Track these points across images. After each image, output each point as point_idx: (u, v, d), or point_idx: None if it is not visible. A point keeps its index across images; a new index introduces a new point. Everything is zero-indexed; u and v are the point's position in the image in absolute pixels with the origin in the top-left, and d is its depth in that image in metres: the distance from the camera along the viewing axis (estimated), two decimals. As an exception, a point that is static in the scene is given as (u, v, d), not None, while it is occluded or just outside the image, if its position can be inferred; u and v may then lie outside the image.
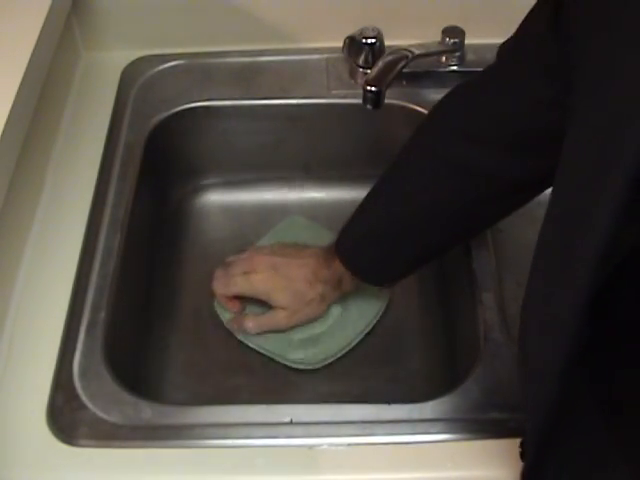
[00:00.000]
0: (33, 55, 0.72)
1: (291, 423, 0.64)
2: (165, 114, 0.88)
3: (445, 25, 0.85)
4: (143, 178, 0.82)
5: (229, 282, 0.80)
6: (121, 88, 0.90)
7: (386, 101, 0.79)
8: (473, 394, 0.65)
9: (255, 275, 0.78)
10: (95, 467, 0.61)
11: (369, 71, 0.80)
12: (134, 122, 0.86)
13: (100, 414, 0.64)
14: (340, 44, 0.89)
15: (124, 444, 0.62)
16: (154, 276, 0.87)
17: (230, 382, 0.80)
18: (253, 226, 0.93)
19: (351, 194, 0.94)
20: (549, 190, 0.49)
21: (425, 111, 0.85)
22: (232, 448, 0.62)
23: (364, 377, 0.80)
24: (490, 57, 0.66)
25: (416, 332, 0.84)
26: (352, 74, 0.89)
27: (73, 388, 0.65)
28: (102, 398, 0.65)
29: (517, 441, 0.55)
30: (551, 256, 0.47)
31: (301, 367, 0.79)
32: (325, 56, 0.92)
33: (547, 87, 0.56)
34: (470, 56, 0.87)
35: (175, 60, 0.92)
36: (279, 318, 0.79)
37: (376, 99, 0.78)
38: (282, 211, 0.94)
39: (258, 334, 0.80)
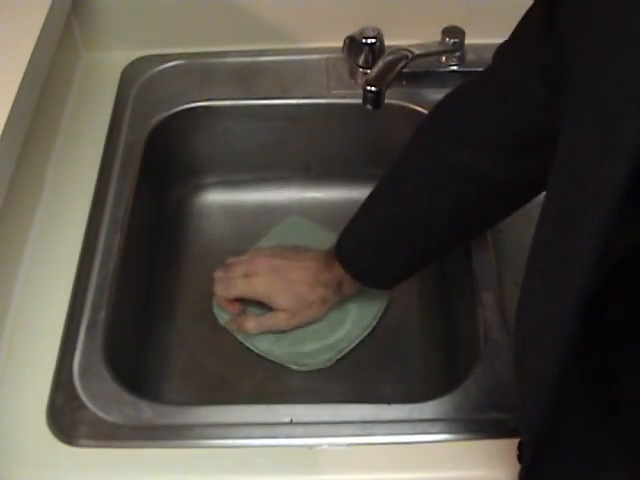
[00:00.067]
0: (33, 55, 0.72)
1: (291, 423, 0.64)
2: (165, 114, 0.88)
3: (445, 25, 0.85)
4: (143, 178, 0.82)
5: (230, 284, 0.80)
6: (121, 88, 0.90)
7: (386, 101, 0.79)
8: (473, 394, 0.65)
9: (256, 278, 0.78)
10: (95, 467, 0.61)
11: (369, 71, 0.80)
12: (134, 122, 0.86)
13: (100, 414, 0.64)
14: (340, 44, 0.89)
15: (124, 444, 0.62)
16: (154, 276, 0.87)
17: (230, 382, 0.80)
18: (253, 226, 0.93)
19: (351, 194, 0.94)
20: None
21: (425, 111, 0.85)
22: (232, 448, 0.62)
23: (364, 377, 0.80)
24: (490, 57, 0.66)
25: (416, 332, 0.84)
26: (352, 74, 0.89)
27: (73, 388, 0.65)
28: (102, 398, 0.65)
29: (517, 441, 0.55)
30: (547, 256, 0.47)
31: (304, 369, 0.79)
32: (325, 56, 0.92)
33: (543, 87, 0.56)
34: (470, 56, 0.87)
35: (175, 60, 0.92)
36: (279, 319, 0.79)
37: (376, 99, 0.78)
38: (282, 211, 0.94)
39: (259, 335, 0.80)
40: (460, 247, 0.76)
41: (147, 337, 0.82)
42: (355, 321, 0.82)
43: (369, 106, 0.79)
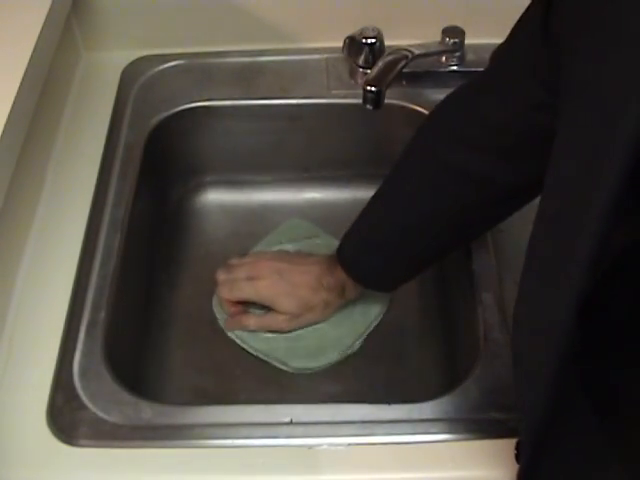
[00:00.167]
0: (33, 55, 0.72)
1: (291, 423, 0.64)
2: (165, 114, 0.88)
3: (445, 25, 0.85)
4: (143, 178, 0.82)
5: (233, 287, 0.80)
6: (121, 88, 0.90)
7: (386, 101, 0.79)
8: (473, 394, 0.65)
9: (260, 281, 0.78)
10: (95, 467, 0.61)
11: (369, 71, 0.80)
12: (134, 122, 0.86)
13: (100, 414, 0.64)
14: (340, 44, 0.89)
15: (124, 444, 0.62)
16: (154, 276, 0.87)
17: (230, 382, 0.80)
18: (253, 226, 0.93)
19: (351, 194, 0.94)
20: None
21: (425, 111, 0.85)
22: (232, 448, 0.62)
23: (364, 377, 0.80)
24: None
25: (416, 332, 0.84)
26: (352, 74, 0.89)
27: (73, 388, 0.65)
28: (102, 398, 0.65)
29: (515, 441, 0.55)
30: (543, 256, 0.47)
31: (306, 372, 0.79)
32: (325, 56, 0.92)
33: (540, 88, 0.56)
34: (470, 56, 0.87)
35: (175, 60, 0.92)
36: (281, 320, 0.79)
37: (376, 99, 0.78)
38: (282, 211, 0.94)
39: (257, 336, 0.80)
40: (460, 249, 0.76)
41: (147, 337, 0.82)
42: (355, 322, 0.82)
43: (369, 106, 0.79)
